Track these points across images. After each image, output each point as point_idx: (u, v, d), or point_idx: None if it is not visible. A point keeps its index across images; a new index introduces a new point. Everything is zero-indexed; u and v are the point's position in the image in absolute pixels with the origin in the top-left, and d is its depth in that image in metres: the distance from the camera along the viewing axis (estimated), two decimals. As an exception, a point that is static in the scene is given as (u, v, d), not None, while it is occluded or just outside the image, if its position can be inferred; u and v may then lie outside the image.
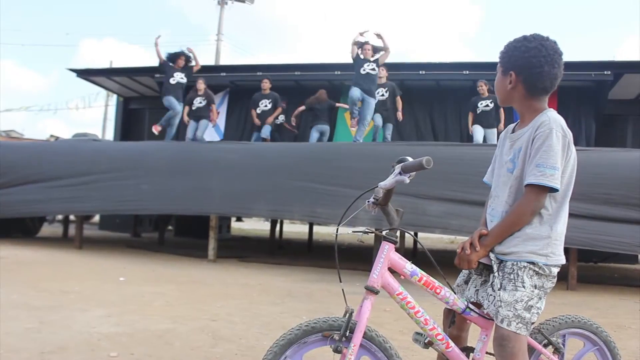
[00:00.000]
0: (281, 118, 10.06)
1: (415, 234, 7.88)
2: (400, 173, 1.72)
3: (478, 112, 8.47)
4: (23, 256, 7.30)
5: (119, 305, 4.37)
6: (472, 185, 6.23)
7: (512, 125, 1.92)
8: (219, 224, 8.45)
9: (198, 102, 9.37)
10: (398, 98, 8.76)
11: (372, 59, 8.34)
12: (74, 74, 12.37)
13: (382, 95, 8.67)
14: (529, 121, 1.78)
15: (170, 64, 9.32)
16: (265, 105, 9.41)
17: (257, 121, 9.40)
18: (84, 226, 9.20)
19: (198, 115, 9.29)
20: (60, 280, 5.52)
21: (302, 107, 9.31)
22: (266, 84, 9.48)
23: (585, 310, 5.10)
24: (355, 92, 8.23)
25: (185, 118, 9.34)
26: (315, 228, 13.93)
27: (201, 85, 9.45)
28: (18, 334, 3.32)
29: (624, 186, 6.11)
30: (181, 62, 9.36)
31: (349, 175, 6.96)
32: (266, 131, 9.31)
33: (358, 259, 7.93)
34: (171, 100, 9.14)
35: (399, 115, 8.77)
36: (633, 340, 3.91)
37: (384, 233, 1.79)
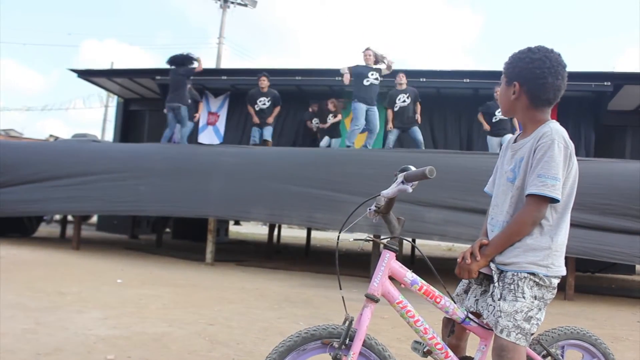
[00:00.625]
0: (315, 122, 10.11)
1: (413, 241, 7.88)
2: (402, 182, 1.73)
3: (494, 120, 8.38)
4: (20, 256, 7.28)
5: (116, 308, 4.36)
6: (471, 193, 6.24)
7: (514, 136, 1.93)
8: (217, 227, 8.43)
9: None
10: (418, 104, 8.64)
11: (374, 67, 8.33)
12: (75, 74, 12.39)
13: (404, 101, 8.54)
14: (531, 132, 1.79)
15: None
16: (264, 104, 9.14)
17: (256, 119, 9.17)
18: (81, 227, 9.18)
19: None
20: (57, 281, 5.50)
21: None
22: (264, 82, 9.17)
23: (582, 321, 5.10)
24: (361, 109, 8.26)
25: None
26: (313, 233, 13.92)
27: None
28: (14, 335, 3.31)
29: (623, 197, 6.13)
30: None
31: (347, 181, 6.98)
32: (268, 133, 9.18)
33: (356, 265, 7.92)
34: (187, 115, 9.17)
35: (418, 118, 8.69)
36: (630, 352, 3.92)
37: (385, 241, 1.79)
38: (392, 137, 8.64)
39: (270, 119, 9.21)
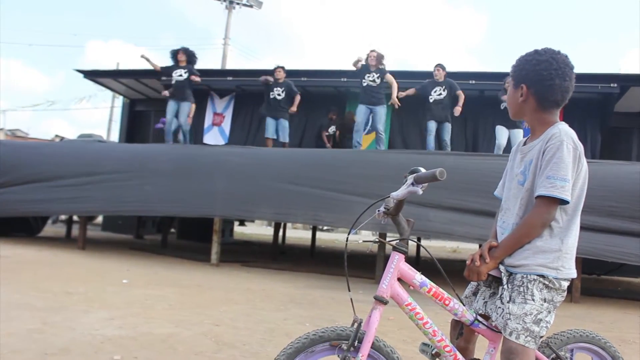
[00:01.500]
0: (332, 130, 10.13)
1: (419, 239, 7.86)
2: (412, 184, 1.72)
3: (502, 107, 8.29)
4: (26, 256, 7.30)
5: (122, 308, 4.37)
6: (476, 194, 6.24)
7: (523, 139, 1.92)
8: (222, 227, 8.45)
9: (178, 75, 8.83)
10: (459, 92, 8.47)
11: (374, 70, 8.36)
12: (81, 75, 12.42)
13: (440, 94, 8.48)
14: (539, 134, 1.78)
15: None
16: (279, 94, 9.00)
17: (269, 78, 8.96)
18: (87, 227, 9.20)
19: (179, 94, 8.81)
20: (63, 281, 5.52)
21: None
22: (280, 73, 9.02)
23: (589, 324, 5.08)
24: (360, 110, 8.37)
25: (164, 92, 8.96)
26: (318, 234, 13.92)
27: (182, 56, 8.92)
28: (20, 335, 3.32)
29: (629, 199, 6.11)
30: (181, 57, 8.92)
31: (353, 181, 6.99)
32: (285, 134, 9.09)
33: (361, 266, 7.91)
34: (167, 108, 8.91)
35: (457, 109, 8.44)
36: (637, 355, 3.89)
37: (394, 243, 1.79)
38: (431, 127, 8.55)
39: (294, 108, 9.04)
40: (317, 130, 10.49)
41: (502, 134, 8.25)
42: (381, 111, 8.43)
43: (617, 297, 7.30)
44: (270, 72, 9.21)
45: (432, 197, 6.39)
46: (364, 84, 8.37)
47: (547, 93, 1.76)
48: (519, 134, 8.08)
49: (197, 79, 8.94)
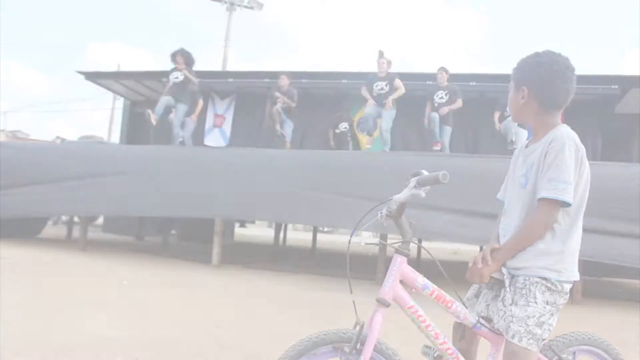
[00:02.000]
0: (342, 127, 10.11)
1: (420, 241, 7.85)
2: (415, 186, 1.72)
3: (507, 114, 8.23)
4: (26, 257, 7.29)
5: (123, 309, 4.37)
6: (476, 196, 6.22)
7: (525, 142, 1.92)
8: (223, 229, 8.46)
9: (174, 77, 8.87)
10: (459, 101, 8.46)
11: (383, 76, 8.39)
12: (82, 77, 12.42)
13: (442, 97, 8.52)
14: (541, 136, 1.78)
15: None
16: (284, 102, 9.09)
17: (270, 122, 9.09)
18: (87, 228, 9.20)
19: (175, 94, 8.78)
20: (64, 282, 5.52)
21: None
22: (283, 81, 9.10)
23: (590, 325, 5.06)
24: (370, 114, 8.39)
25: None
26: (319, 236, 13.89)
27: (180, 59, 8.91)
28: (21, 337, 3.32)
29: (629, 201, 6.10)
30: (179, 59, 8.91)
31: (354, 183, 6.98)
32: (288, 129, 9.10)
33: (361, 267, 7.91)
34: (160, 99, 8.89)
35: (444, 109, 8.40)
36: (639, 357, 3.89)
37: (396, 245, 1.79)
38: (434, 117, 8.54)
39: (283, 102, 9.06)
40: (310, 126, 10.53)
41: (509, 126, 8.17)
42: (388, 113, 8.43)
43: (618, 299, 7.29)
44: (270, 75, 9.22)
45: (433, 199, 6.35)
46: (374, 94, 8.40)
47: (549, 95, 1.77)
48: (523, 135, 8.04)
49: (191, 76, 8.88)
